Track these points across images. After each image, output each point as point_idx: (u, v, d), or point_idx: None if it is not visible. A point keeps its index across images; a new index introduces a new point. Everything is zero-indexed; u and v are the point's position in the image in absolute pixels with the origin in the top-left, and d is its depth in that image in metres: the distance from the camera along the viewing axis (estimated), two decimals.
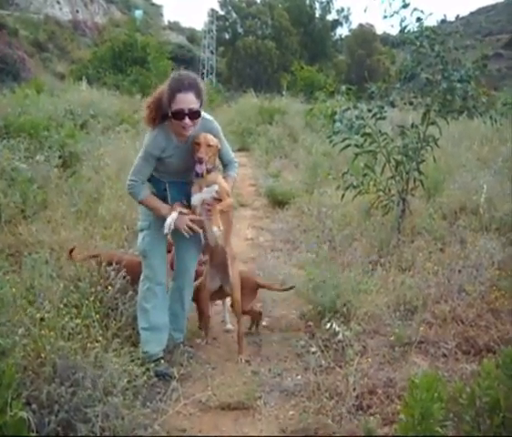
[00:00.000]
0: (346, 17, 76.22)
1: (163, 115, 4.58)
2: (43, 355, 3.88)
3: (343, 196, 7.62)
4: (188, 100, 4.47)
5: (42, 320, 4.25)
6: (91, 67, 29.98)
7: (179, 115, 4.47)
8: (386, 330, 5.30)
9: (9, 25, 40.61)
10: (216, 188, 4.76)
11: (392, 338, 5.11)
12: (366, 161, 7.70)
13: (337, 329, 4.88)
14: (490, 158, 12.41)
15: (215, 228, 4.67)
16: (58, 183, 8.69)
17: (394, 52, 67.11)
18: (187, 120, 4.49)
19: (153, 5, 75.17)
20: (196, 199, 4.76)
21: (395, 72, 7.86)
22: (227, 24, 69.98)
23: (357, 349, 4.83)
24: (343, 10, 75.59)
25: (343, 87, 7.65)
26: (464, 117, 11.06)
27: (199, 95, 4.52)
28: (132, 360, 4.28)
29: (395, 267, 6.55)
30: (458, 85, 7.05)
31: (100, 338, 4.17)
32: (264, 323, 5.73)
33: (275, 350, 5.26)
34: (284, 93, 27.60)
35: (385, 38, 75.41)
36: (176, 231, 4.83)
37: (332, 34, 75.56)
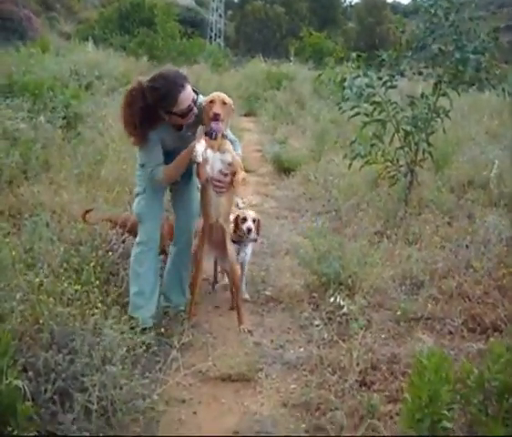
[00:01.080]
0: None
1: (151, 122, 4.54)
2: (41, 321, 3.79)
3: (350, 165, 7.47)
4: (189, 94, 4.47)
5: (41, 284, 4.17)
6: (98, 28, 29.64)
7: (188, 111, 4.49)
8: (392, 304, 5.21)
9: None
10: (230, 157, 4.66)
11: (398, 312, 5.01)
12: (375, 130, 7.53)
13: (342, 302, 4.79)
14: (500, 132, 12.29)
15: (240, 201, 4.61)
16: (62, 144, 8.54)
17: (405, 21, 66.71)
18: (194, 110, 4.55)
19: None
20: (209, 156, 4.61)
21: (406, 41, 7.54)
22: None
23: (362, 323, 4.74)
24: None
25: (354, 54, 7.46)
26: (474, 90, 10.91)
27: (189, 80, 4.56)
28: (132, 328, 4.18)
29: (402, 239, 6.46)
30: (472, 56, 6.86)
31: (100, 304, 4.07)
32: (268, 293, 5.63)
33: (278, 321, 5.17)
34: (292, 59, 27.28)
35: (396, 6, 74.72)
36: (173, 190, 4.96)
37: (342, 0, 74.80)
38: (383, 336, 4.73)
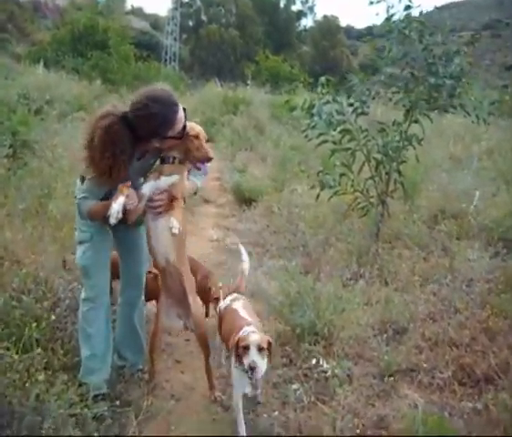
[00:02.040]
0: (311, 8, 75.96)
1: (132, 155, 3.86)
2: None
3: (318, 196, 7.01)
4: (181, 112, 3.85)
5: None
6: (50, 50, 28.93)
7: (182, 131, 3.88)
8: (372, 354, 4.74)
9: None
10: (175, 178, 3.98)
11: (380, 364, 4.53)
12: (343, 159, 7.08)
13: (324, 365, 4.28)
14: (463, 157, 12.01)
15: (174, 222, 3.79)
16: (6, 175, 7.83)
17: (357, 45, 67.23)
18: (186, 127, 3.93)
19: None
20: (148, 187, 3.95)
21: (380, 64, 7.09)
22: (191, 11, 69.19)
23: (341, 377, 4.25)
24: (307, 1, 75.23)
25: (323, 78, 7.01)
26: (435, 113, 10.60)
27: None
28: (82, 397, 3.63)
29: (377, 278, 6.02)
30: (448, 81, 6.48)
31: (42, 374, 3.48)
32: None
33: None
34: (249, 82, 26.95)
35: (349, 30, 75.51)
36: (118, 237, 4.24)
37: (297, 24, 75.05)
38: (365, 393, 4.23)
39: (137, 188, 3.96)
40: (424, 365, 4.56)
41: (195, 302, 4.22)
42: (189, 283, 4.19)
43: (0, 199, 7.11)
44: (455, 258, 6.28)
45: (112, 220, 3.69)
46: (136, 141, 3.77)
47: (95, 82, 21.73)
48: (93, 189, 3.90)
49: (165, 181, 3.95)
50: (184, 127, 3.85)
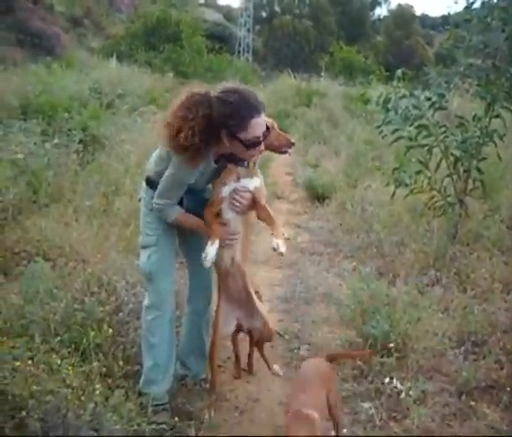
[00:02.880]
0: None
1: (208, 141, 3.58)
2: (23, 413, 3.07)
3: (393, 194, 6.72)
4: (262, 123, 3.53)
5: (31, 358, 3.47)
6: (123, 44, 29.26)
7: (255, 143, 3.55)
8: (449, 369, 4.42)
9: (44, 1, 40.07)
10: (259, 182, 3.79)
11: (458, 379, 4.22)
12: (419, 156, 6.75)
13: (399, 386, 4.00)
14: None
15: (279, 242, 3.57)
16: (76, 171, 7.79)
17: (433, 33, 65.91)
18: (262, 146, 3.62)
19: None
20: (228, 190, 3.73)
21: (460, 54, 6.72)
22: (264, 2, 68.97)
23: (415, 394, 3.98)
24: None
25: (399, 72, 6.69)
26: None
27: (265, 109, 3.60)
28: (142, 408, 3.48)
29: (455, 283, 5.68)
30: None
31: (99, 386, 3.33)
32: (303, 352, 4.81)
33: None
34: (323, 74, 26.65)
35: (424, 19, 74.00)
36: (186, 242, 4.08)
37: (371, 14, 74.04)
38: (441, 413, 3.94)
39: (205, 192, 3.88)
40: (506, 382, 4.23)
41: (258, 301, 4.08)
42: (250, 281, 4.02)
43: (68, 195, 7.07)
44: None
45: (208, 264, 3.65)
46: (211, 126, 3.52)
47: (167, 75, 21.81)
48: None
49: (247, 183, 3.75)
50: (257, 139, 3.54)
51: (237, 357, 4.53)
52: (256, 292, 4.48)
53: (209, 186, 3.92)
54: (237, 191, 3.72)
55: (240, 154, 3.63)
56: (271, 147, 3.82)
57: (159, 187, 3.71)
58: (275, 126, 3.80)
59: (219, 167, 3.78)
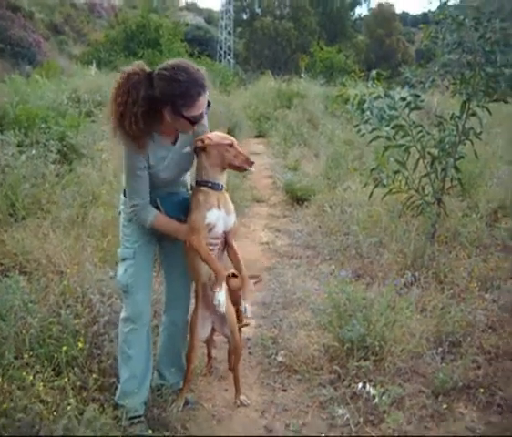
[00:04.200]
0: None
1: (151, 123, 3.55)
2: None
3: (371, 194, 6.71)
4: (205, 99, 3.53)
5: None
6: (103, 50, 29.22)
7: (200, 119, 3.57)
8: (426, 370, 4.43)
9: (24, 8, 39.89)
10: (232, 220, 3.84)
11: (435, 380, 4.22)
12: (397, 156, 6.75)
13: (372, 391, 3.99)
14: None
15: (247, 306, 3.87)
16: (53, 182, 7.73)
17: (413, 31, 66.16)
18: (204, 119, 3.69)
19: None
20: (214, 218, 3.72)
21: (433, 54, 6.75)
22: (244, 4, 68.93)
23: (392, 397, 3.98)
24: None
25: (374, 72, 6.69)
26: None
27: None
28: (118, 421, 3.47)
29: (433, 283, 5.69)
30: (507, 70, 6.09)
31: (72, 401, 3.31)
32: (280, 358, 4.79)
33: (293, 397, 4.31)
34: (303, 75, 26.67)
35: (404, 17, 74.24)
36: (164, 252, 4.05)
37: (351, 13, 74.18)
38: (418, 415, 3.94)
39: (180, 181, 3.91)
40: (483, 382, 4.24)
41: (230, 310, 4.04)
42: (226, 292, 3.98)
43: (46, 207, 7.04)
44: None
45: (223, 310, 3.83)
46: (153, 106, 3.49)
47: None
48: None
49: (225, 218, 3.79)
50: (201, 115, 3.56)
51: (209, 355, 4.71)
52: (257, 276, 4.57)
53: (185, 179, 3.97)
54: (208, 236, 3.73)
55: (183, 129, 3.64)
56: (230, 166, 3.76)
57: (126, 186, 3.73)
58: (234, 143, 3.76)
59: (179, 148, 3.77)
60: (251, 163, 3.76)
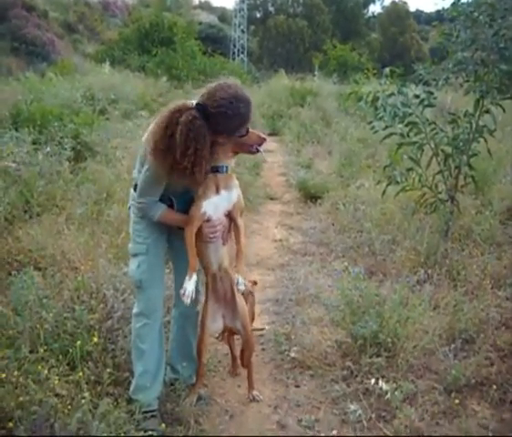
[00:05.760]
0: None
1: None
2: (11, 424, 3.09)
3: (384, 192, 6.70)
4: None
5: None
6: (117, 49, 29.28)
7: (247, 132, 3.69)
8: (438, 367, 4.43)
9: (39, 7, 40.02)
10: (237, 195, 3.82)
11: (447, 377, 4.22)
12: (410, 153, 6.74)
13: (384, 386, 4.00)
14: None
15: (240, 280, 3.77)
16: (68, 179, 7.80)
17: (427, 29, 65.77)
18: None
19: None
20: (210, 206, 3.72)
21: (447, 52, 6.73)
22: (258, 2, 68.87)
23: (405, 393, 3.98)
24: None
25: (387, 70, 6.69)
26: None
27: None
28: (132, 415, 3.49)
29: (446, 281, 5.67)
30: None
31: (87, 395, 3.34)
32: (293, 354, 4.81)
33: (305, 393, 4.33)
34: (316, 73, 26.64)
35: (418, 15, 73.87)
36: (173, 247, 4.04)
37: (365, 11, 73.90)
38: (431, 411, 3.94)
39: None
40: (496, 379, 4.23)
41: (241, 302, 4.06)
42: (235, 285, 3.97)
43: (60, 204, 7.09)
44: None
45: (188, 301, 3.69)
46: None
47: (160, 79, 21.80)
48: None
49: (227, 198, 3.77)
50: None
51: (232, 355, 4.64)
52: (250, 293, 4.54)
53: None
54: (207, 226, 3.75)
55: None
56: (243, 148, 3.78)
57: (139, 185, 3.72)
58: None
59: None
60: (264, 139, 3.78)
